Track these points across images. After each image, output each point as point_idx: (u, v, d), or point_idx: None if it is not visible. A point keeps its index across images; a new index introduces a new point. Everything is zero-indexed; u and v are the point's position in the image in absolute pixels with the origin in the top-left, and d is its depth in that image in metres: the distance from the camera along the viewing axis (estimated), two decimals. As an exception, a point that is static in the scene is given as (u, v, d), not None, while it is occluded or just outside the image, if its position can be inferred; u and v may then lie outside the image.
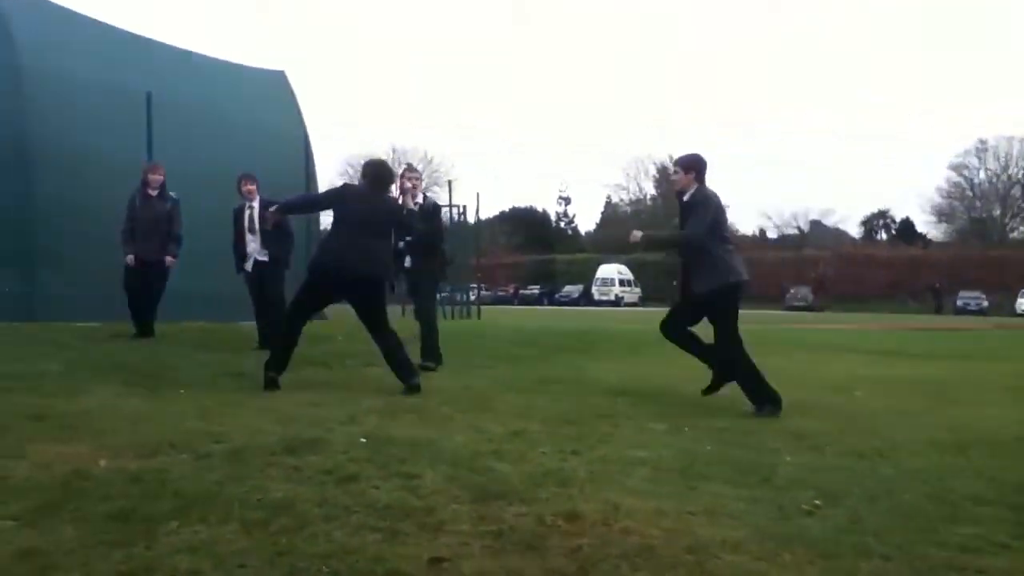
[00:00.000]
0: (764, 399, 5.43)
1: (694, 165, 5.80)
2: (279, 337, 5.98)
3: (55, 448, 3.77)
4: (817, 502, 3.25)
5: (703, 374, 7.46)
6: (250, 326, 8.46)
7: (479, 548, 2.65)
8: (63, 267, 10.15)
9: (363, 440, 3.96)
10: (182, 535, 2.73)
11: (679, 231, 5.86)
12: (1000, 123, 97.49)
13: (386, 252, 6.10)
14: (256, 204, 8.04)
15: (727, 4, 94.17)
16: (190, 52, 13.43)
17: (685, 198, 5.76)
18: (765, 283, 50.61)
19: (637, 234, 6.08)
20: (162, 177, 8.41)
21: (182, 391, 5.49)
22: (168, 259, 8.40)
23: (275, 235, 7.89)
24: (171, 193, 8.49)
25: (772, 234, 65.35)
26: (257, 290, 8.10)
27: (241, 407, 4.92)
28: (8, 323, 8.51)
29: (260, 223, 7.88)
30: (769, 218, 66.57)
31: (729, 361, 5.67)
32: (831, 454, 4.20)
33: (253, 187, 8.15)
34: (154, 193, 8.34)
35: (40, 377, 5.62)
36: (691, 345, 5.96)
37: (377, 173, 6.07)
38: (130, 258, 8.27)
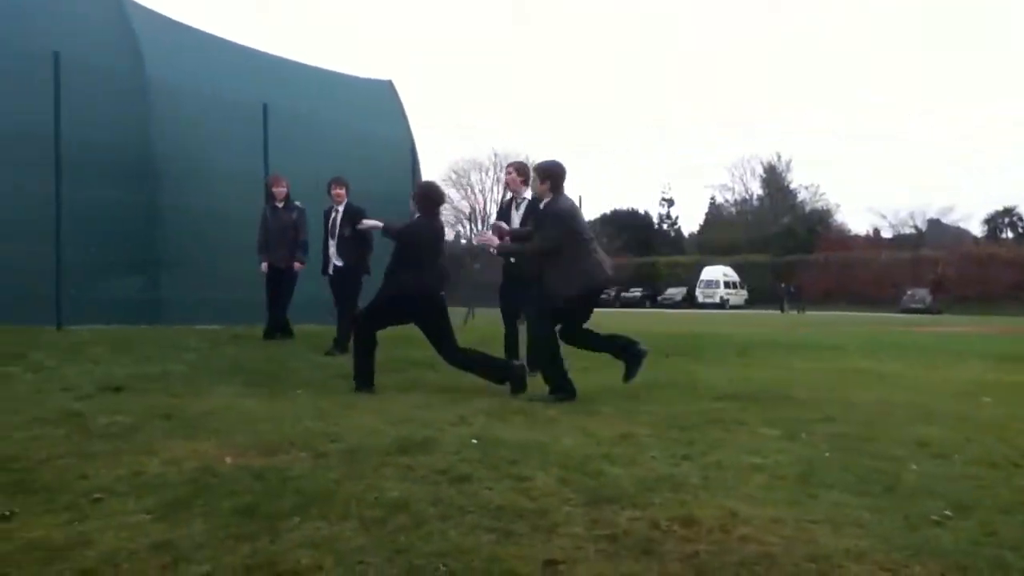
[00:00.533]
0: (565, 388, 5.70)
1: (550, 174, 5.90)
2: (363, 350, 5.98)
3: (184, 445, 3.96)
4: (947, 512, 3.09)
5: (816, 378, 7.25)
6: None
7: (593, 552, 2.63)
8: (184, 272, 10.69)
9: (474, 441, 4.00)
10: (304, 531, 2.82)
11: (532, 243, 5.99)
12: None
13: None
14: (341, 208, 8.21)
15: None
16: (302, 64, 13.94)
17: (541, 206, 6.02)
18: (879, 285, 48.73)
19: (494, 240, 6.36)
20: (285, 188, 8.79)
21: (299, 392, 5.69)
22: (296, 265, 8.76)
23: (353, 242, 8.04)
24: (296, 203, 8.85)
25: (887, 233, 62.65)
26: (336, 294, 8.29)
27: (355, 408, 5.06)
28: (135, 326, 9.01)
29: (340, 227, 8.07)
30: (883, 217, 63.97)
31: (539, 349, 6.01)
32: (959, 463, 3.99)
33: (342, 191, 8.32)
34: (280, 204, 8.70)
35: (167, 378, 5.92)
36: (593, 342, 6.20)
37: (429, 195, 6.27)
38: (263, 266, 8.69)
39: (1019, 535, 2.84)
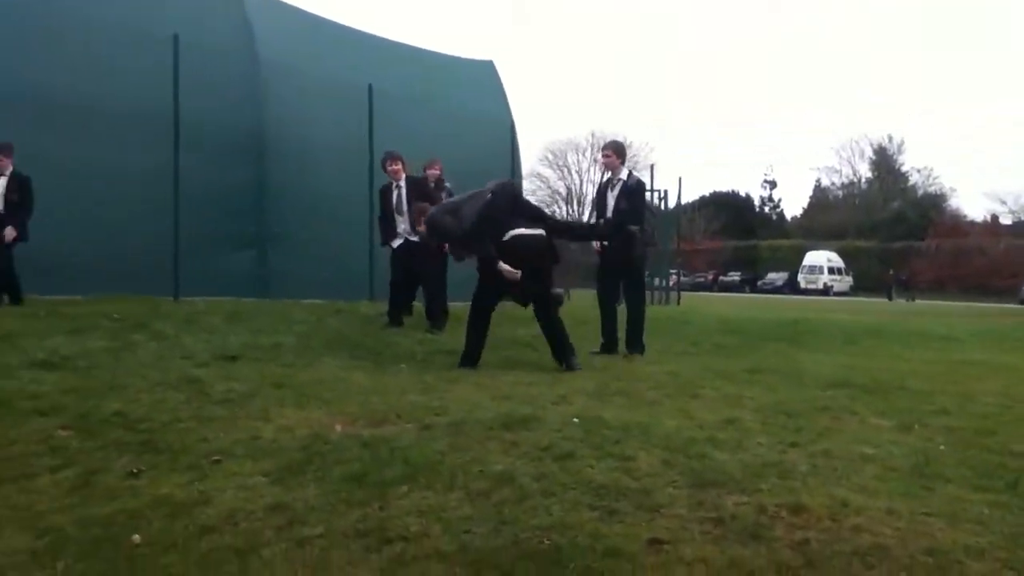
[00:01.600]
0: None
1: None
2: (477, 335, 6.08)
3: (296, 413, 4.13)
4: (1076, 512, 2.93)
5: (930, 368, 6.96)
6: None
7: (699, 533, 2.62)
8: (291, 248, 11.05)
9: (575, 420, 4.02)
10: (411, 499, 2.90)
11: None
12: None
13: None
14: (403, 184, 8.25)
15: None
16: (406, 45, 14.14)
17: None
18: (996, 274, 46.20)
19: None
20: (438, 171, 8.98)
21: (403, 365, 5.83)
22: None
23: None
24: (447, 184, 9.04)
25: (1006, 220, 59.20)
26: (402, 269, 8.25)
27: (457, 383, 5.14)
28: (245, 299, 9.38)
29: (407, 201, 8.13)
30: (1003, 202, 60.43)
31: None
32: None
33: (398, 167, 8.34)
34: (432, 186, 8.93)
35: (278, 348, 6.14)
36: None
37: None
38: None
39: None
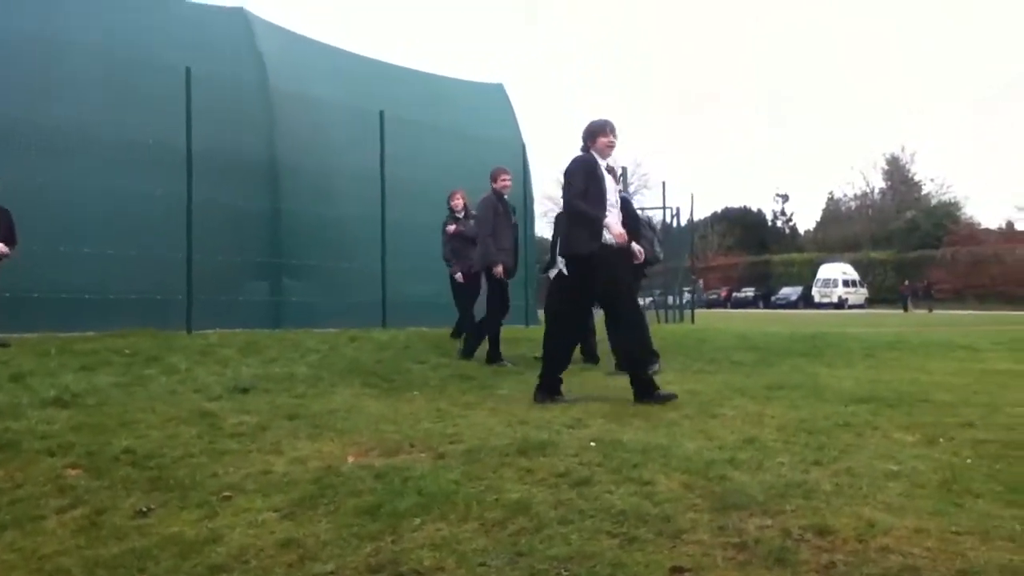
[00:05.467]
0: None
1: None
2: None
3: (308, 445, 4.07)
4: (1113, 527, 2.82)
5: (954, 380, 6.83)
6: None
7: (722, 559, 2.53)
8: (305, 276, 11.07)
9: (593, 444, 3.94)
10: (425, 531, 2.83)
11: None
12: None
13: None
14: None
15: None
16: (416, 70, 14.22)
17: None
18: (1015, 282, 45.78)
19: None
20: (462, 201, 9.20)
21: (416, 393, 5.77)
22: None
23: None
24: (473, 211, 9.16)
25: (1022, 227, 58.73)
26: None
27: (472, 409, 5.08)
28: (259, 330, 9.36)
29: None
30: (1019, 209, 60.03)
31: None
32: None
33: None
34: (460, 215, 9.15)
35: (291, 379, 6.11)
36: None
37: None
38: (459, 275, 9.02)
39: None
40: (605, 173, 5.55)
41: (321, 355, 7.34)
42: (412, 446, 3.98)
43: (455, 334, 9.37)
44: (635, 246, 6.12)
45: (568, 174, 5.49)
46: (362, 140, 11.25)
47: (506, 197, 8.21)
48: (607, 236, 5.41)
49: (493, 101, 14.92)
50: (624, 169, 28.18)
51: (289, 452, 3.93)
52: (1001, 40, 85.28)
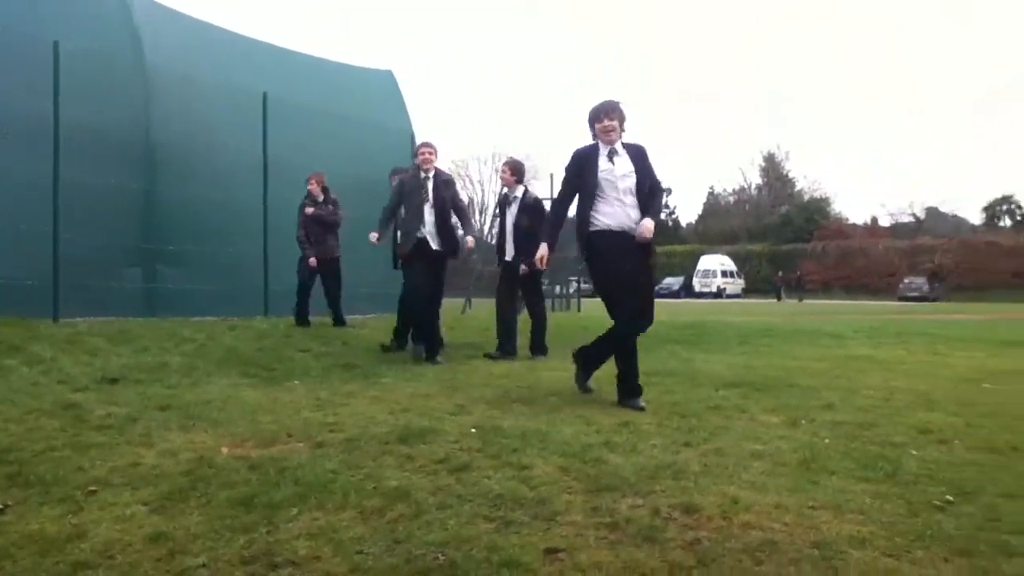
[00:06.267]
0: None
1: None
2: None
3: (181, 436, 3.94)
4: (949, 498, 3.06)
5: (817, 365, 7.22)
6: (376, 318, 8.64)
7: (595, 539, 2.61)
8: (183, 263, 10.63)
9: (473, 430, 3.97)
10: (301, 521, 2.79)
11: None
12: None
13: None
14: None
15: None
16: (303, 54, 13.84)
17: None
18: (877, 273, 48.80)
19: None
20: (318, 185, 9.11)
21: (297, 382, 5.67)
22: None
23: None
24: (333, 195, 9.12)
25: (885, 222, 62.63)
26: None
27: (354, 397, 5.03)
28: (133, 318, 8.96)
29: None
30: (883, 205, 64.00)
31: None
32: (960, 448, 3.96)
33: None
34: (320, 199, 9.06)
35: (164, 369, 5.88)
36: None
37: None
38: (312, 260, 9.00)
39: (1022, 520, 2.82)
40: (607, 160, 5.09)
41: (197, 344, 7.10)
42: (290, 436, 3.92)
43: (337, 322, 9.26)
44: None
45: (564, 171, 5.30)
46: (245, 123, 10.88)
47: (426, 171, 7.28)
48: (600, 222, 5.09)
49: (382, 88, 14.69)
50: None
51: (160, 444, 3.79)
52: (1001, 40, 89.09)
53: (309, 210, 8.99)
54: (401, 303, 7.92)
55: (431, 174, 7.11)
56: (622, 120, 5.17)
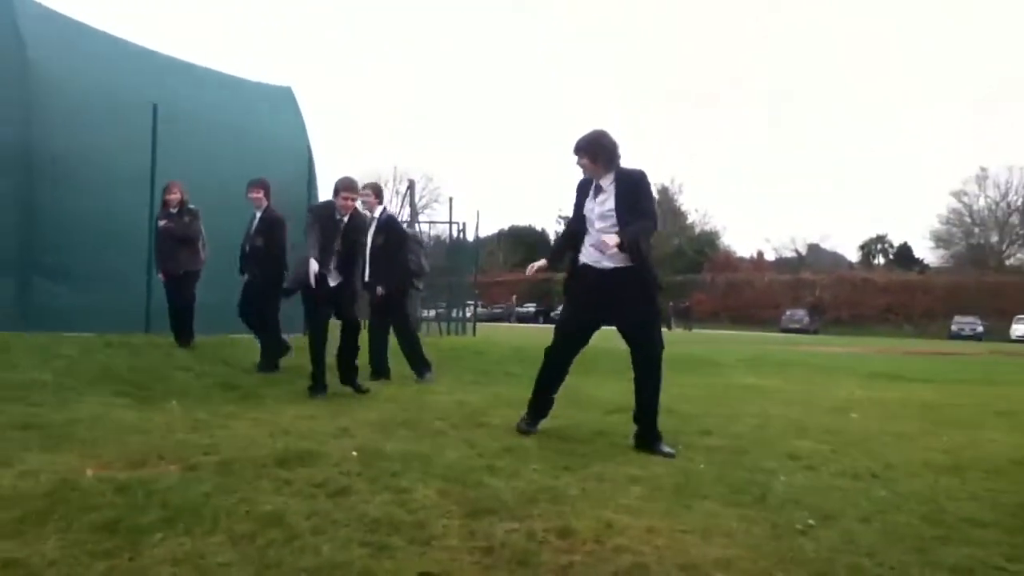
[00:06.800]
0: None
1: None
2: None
3: (42, 457, 3.73)
4: (811, 522, 3.21)
5: (699, 392, 7.46)
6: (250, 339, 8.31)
7: (469, 564, 2.61)
8: (59, 276, 10.10)
9: (355, 453, 3.92)
10: (167, 546, 2.69)
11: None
12: (999, 152, 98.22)
13: None
14: (259, 214, 7.91)
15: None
16: (197, 66, 13.44)
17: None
18: (762, 305, 50.94)
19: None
20: (178, 195, 8.46)
21: (174, 402, 5.45)
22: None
23: (265, 252, 7.76)
24: (192, 206, 8.56)
25: (770, 256, 65.58)
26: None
27: (234, 419, 4.88)
28: (3, 332, 8.45)
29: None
30: (767, 240, 67.05)
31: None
32: (826, 474, 4.16)
33: (256, 195, 7.96)
34: (175, 211, 8.45)
35: (30, 386, 5.56)
36: None
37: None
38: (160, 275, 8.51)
39: (875, 542, 2.98)
40: (592, 193, 4.78)
41: (70, 361, 6.74)
42: (161, 458, 3.76)
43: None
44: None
45: None
46: (133, 133, 10.46)
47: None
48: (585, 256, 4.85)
49: (280, 103, 14.40)
50: (412, 183, 28.29)
51: (18, 465, 3.57)
52: (1001, 40, 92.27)
53: (161, 222, 8.51)
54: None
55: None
56: (594, 154, 4.71)
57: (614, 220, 4.63)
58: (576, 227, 4.92)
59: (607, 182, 4.73)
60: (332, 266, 6.47)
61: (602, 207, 4.70)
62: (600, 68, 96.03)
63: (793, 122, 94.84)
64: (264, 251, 7.73)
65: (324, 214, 6.49)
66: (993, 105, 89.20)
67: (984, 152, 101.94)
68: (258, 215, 7.92)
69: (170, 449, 3.92)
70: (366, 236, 7.27)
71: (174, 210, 8.45)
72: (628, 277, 4.66)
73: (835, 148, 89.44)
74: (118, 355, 7.49)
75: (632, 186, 4.68)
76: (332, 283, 6.47)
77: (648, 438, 4.59)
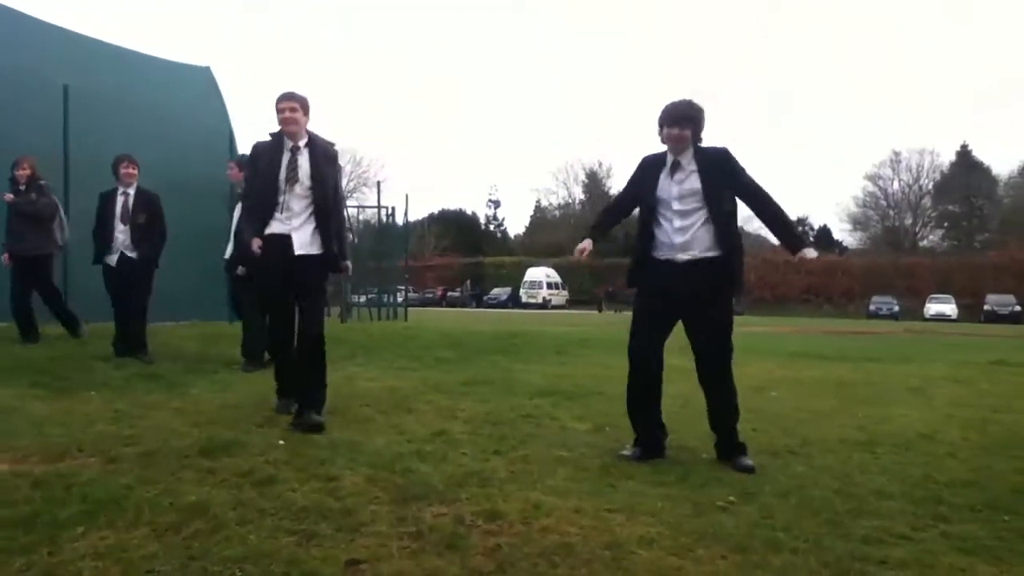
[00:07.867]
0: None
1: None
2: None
3: (-47, 452, 3.60)
4: (731, 499, 3.33)
5: (620, 374, 7.58)
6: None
7: (397, 549, 2.63)
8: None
9: (281, 442, 3.89)
10: (88, 540, 2.64)
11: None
12: (909, 135, 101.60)
13: None
14: (132, 191, 7.43)
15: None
16: (111, 44, 12.96)
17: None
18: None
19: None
20: (28, 171, 7.98)
21: (93, 393, 5.31)
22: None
23: (148, 230, 7.36)
24: (42, 182, 8.06)
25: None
26: (118, 288, 7.43)
27: (156, 409, 4.78)
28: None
29: (134, 214, 7.34)
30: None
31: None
32: (747, 452, 4.29)
33: (134, 171, 7.50)
34: (23, 187, 7.92)
35: (-61, 379, 5.36)
36: None
37: None
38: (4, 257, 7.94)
39: (792, 517, 3.11)
40: (668, 170, 4.22)
41: (-19, 352, 6.51)
42: (80, 450, 3.67)
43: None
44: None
45: None
46: (43, 115, 10.07)
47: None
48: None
49: (199, 84, 14.01)
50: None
51: (-73, 462, 3.46)
52: (1001, 40, 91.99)
53: (8, 197, 7.91)
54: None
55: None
56: (698, 125, 4.21)
57: (700, 202, 4.12)
58: (628, 204, 4.50)
59: (686, 159, 4.21)
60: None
61: (682, 186, 4.15)
62: (600, 68, 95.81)
63: (793, 122, 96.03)
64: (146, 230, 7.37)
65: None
66: (993, 104, 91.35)
67: (894, 135, 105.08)
68: (131, 192, 7.46)
69: (90, 441, 3.83)
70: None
71: (22, 187, 7.92)
72: (713, 270, 4.14)
73: (835, 148, 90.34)
74: (35, 345, 7.25)
75: (721, 164, 4.17)
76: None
77: (728, 449, 4.15)
